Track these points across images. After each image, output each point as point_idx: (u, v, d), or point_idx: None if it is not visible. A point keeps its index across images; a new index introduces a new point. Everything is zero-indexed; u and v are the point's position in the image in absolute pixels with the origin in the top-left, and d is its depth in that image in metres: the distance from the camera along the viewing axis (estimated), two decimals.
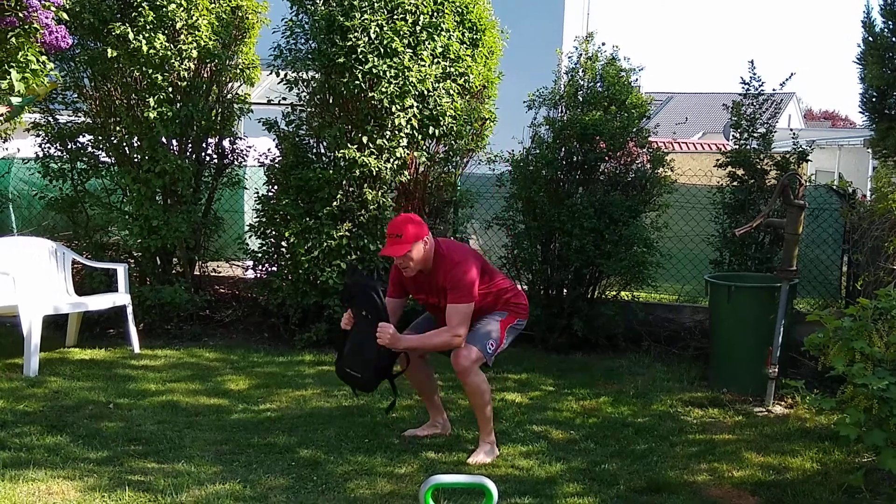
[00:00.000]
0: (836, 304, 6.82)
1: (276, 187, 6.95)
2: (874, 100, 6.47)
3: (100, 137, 7.06)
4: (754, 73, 6.94)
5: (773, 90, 6.98)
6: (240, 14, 7.18)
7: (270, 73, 6.93)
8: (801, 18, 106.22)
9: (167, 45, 6.68)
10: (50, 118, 7.16)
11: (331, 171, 6.58)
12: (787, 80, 6.88)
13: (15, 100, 5.44)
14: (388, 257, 4.79)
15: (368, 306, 4.41)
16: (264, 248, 7.04)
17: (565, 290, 6.93)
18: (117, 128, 6.94)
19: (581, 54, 7.11)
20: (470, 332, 4.37)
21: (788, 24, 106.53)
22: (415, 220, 4.41)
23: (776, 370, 5.47)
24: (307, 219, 6.61)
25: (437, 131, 6.76)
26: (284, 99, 7.00)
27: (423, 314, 4.79)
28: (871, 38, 6.46)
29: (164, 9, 6.61)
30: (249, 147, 7.47)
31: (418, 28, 6.62)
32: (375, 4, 6.49)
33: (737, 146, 6.95)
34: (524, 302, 4.66)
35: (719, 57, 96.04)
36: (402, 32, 6.51)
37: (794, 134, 7.13)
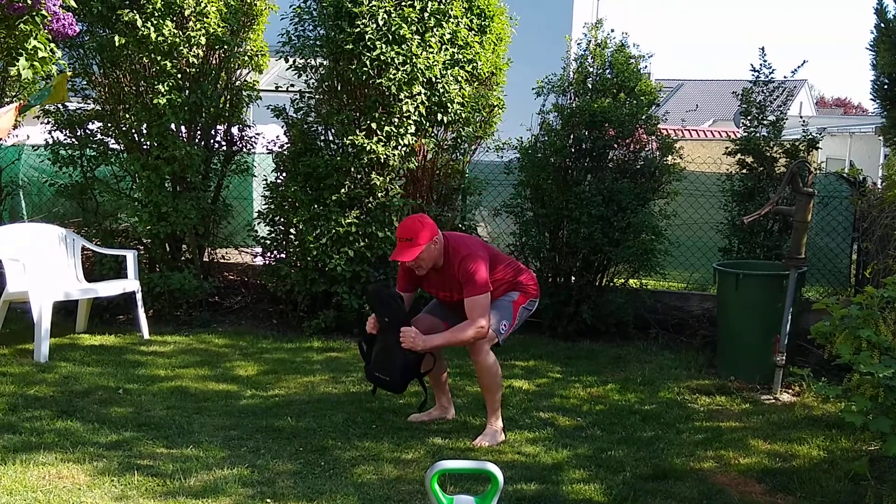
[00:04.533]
0: (845, 293, 6.80)
1: (284, 174, 6.96)
2: (886, 87, 6.44)
3: (109, 124, 7.08)
4: (765, 61, 6.91)
5: (784, 77, 6.94)
6: (248, 0, 7.17)
7: (279, 60, 6.93)
8: (813, 5, 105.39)
9: (175, 31, 6.68)
10: (59, 105, 7.17)
11: (339, 158, 6.58)
12: (798, 67, 6.88)
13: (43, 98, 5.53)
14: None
15: (388, 313, 4.49)
16: (273, 234, 7.06)
17: (573, 278, 6.93)
18: (126, 115, 6.95)
19: (590, 41, 7.08)
20: None
21: (801, 10, 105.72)
22: (425, 221, 4.42)
23: (784, 358, 5.47)
24: (315, 206, 6.62)
25: (445, 118, 6.75)
26: (293, 86, 7.01)
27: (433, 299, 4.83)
28: (883, 25, 6.41)
29: None
30: (258, 134, 7.48)
31: (426, 14, 6.60)
32: None
33: (746, 134, 6.93)
34: (535, 283, 4.73)
35: (731, 44, 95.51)
36: (410, 19, 6.49)
37: (804, 121, 7.09)
